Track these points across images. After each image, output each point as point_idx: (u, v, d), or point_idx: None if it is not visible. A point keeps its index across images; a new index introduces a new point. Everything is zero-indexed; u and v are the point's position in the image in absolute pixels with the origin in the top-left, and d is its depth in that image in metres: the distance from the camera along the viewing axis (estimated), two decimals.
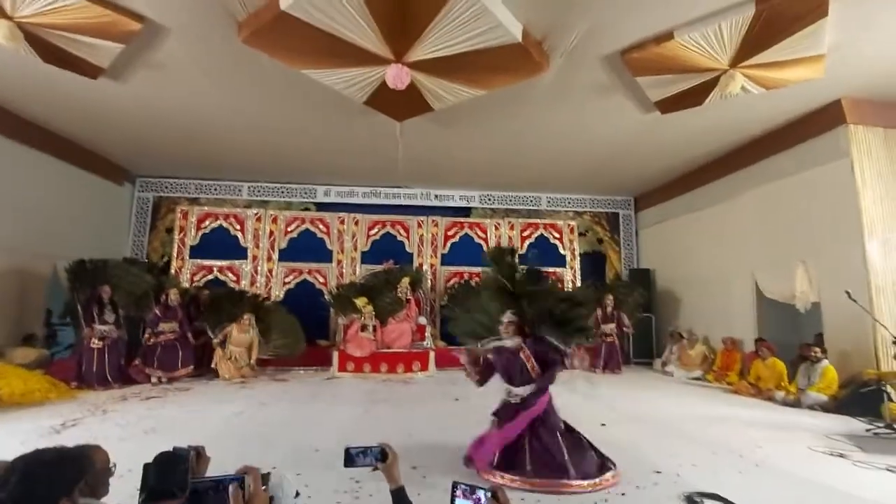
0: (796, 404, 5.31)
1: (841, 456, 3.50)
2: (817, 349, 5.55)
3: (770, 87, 5.09)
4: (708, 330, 8.08)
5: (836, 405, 5.06)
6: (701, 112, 5.72)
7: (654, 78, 5.14)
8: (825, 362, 5.45)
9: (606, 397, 5.91)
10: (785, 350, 6.19)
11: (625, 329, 8.46)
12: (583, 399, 5.78)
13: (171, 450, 1.43)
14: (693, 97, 5.39)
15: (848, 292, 4.83)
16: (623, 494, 2.75)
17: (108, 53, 4.74)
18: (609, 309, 8.37)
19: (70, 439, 3.71)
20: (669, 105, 5.68)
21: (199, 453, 1.54)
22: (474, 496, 1.33)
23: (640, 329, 9.05)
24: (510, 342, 3.40)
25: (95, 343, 6.17)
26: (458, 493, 1.35)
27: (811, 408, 5.16)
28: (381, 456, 1.58)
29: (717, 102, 5.38)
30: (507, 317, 3.47)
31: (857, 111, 5.73)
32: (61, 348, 7.04)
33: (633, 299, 8.71)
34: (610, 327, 8.26)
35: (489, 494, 1.33)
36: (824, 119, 5.97)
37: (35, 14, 4.07)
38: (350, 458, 1.57)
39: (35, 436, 3.86)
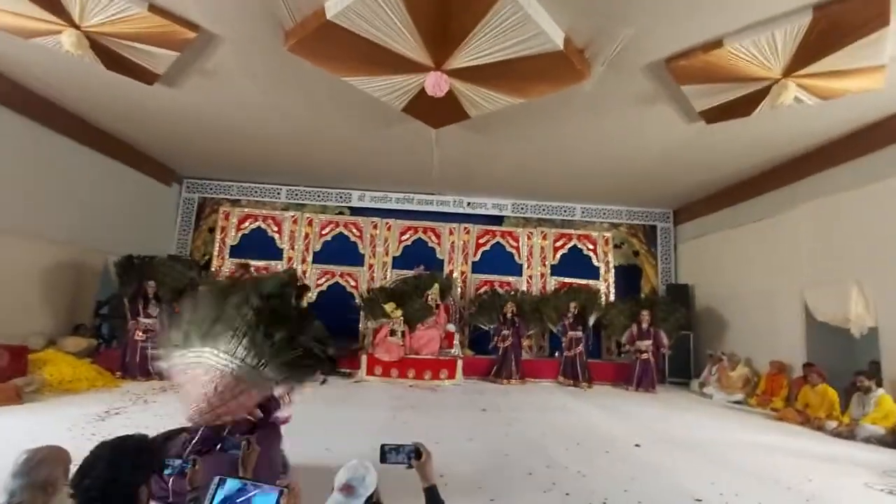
0: (850, 436, 4.95)
1: None
2: (864, 378, 5.16)
3: (826, 97, 4.82)
4: (751, 351, 7.67)
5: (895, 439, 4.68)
6: (749, 122, 5.49)
7: (700, 87, 4.97)
8: (879, 392, 5.07)
9: (641, 417, 5.69)
10: (838, 377, 5.79)
11: (662, 350, 8.13)
12: (616, 418, 5.59)
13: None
14: (742, 107, 5.18)
15: None
16: None
17: (165, 61, 5.00)
18: (645, 325, 8.09)
19: (113, 427, 3.89)
20: (716, 115, 5.47)
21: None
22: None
23: (678, 347, 8.69)
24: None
25: (139, 335, 6.46)
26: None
27: (867, 441, 4.79)
28: (416, 454, 1.62)
29: (767, 113, 5.15)
30: None
31: None
32: (105, 339, 7.40)
33: (674, 318, 8.35)
34: (645, 344, 7.97)
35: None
36: (885, 132, 5.60)
37: (101, 24, 4.34)
38: (385, 455, 1.63)
39: (82, 422, 4.05)
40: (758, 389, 7.03)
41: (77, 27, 4.39)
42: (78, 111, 6.78)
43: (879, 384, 5.20)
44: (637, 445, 4.27)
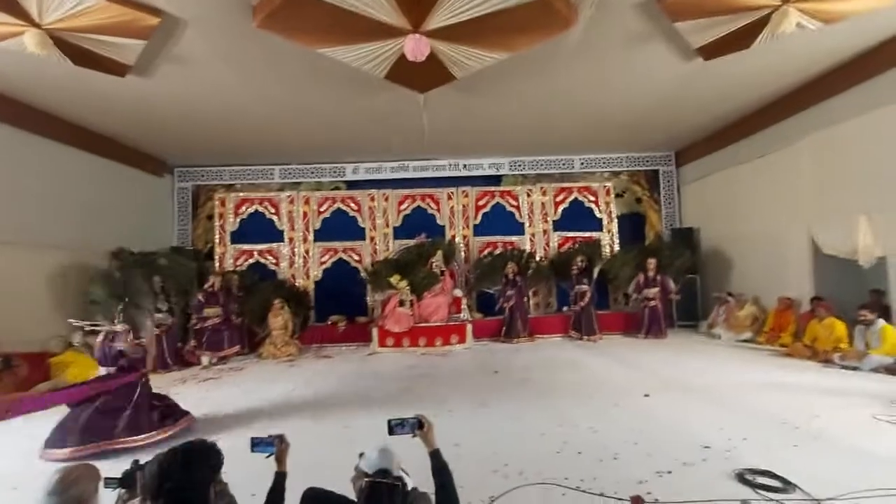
0: (857, 368, 4.99)
1: None
2: (866, 312, 5.14)
3: (830, 20, 4.53)
4: (759, 289, 7.65)
5: None
6: (749, 55, 5.21)
7: (694, 22, 4.69)
8: (880, 323, 5.07)
9: (650, 365, 5.78)
10: (848, 309, 5.76)
11: (671, 295, 8.15)
12: (625, 369, 5.69)
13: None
14: (740, 40, 4.89)
15: None
16: (670, 472, 2.69)
17: (133, 51, 4.80)
18: (651, 273, 8.08)
19: None
20: (713, 50, 5.20)
21: (281, 440, 1.83)
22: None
23: (685, 290, 8.69)
24: None
25: (153, 330, 6.59)
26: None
27: (875, 371, 4.84)
28: (419, 425, 1.81)
29: (766, 44, 4.87)
30: None
31: None
32: None
33: (679, 263, 8.33)
34: (653, 291, 7.99)
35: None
36: (888, 55, 5.29)
37: (60, 19, 4.15)
38: (392, 429, 1.82)
39: None
40: (765, 327, 7.08)
41: (38, 26, 4.21)
42: (56, 112, 6.62)
43: (882, 314, 5.19)
44: (646, 396, 4.35)
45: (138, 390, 3.74)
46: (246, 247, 9.21)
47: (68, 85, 5.70)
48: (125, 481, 1.73)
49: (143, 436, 3.53)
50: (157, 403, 3.85)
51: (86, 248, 7.24)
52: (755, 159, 7.73)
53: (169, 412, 3.85)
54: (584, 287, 8.11)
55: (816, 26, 4.58)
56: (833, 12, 4.39)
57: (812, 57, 5.73)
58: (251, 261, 9.15)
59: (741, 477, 2.55)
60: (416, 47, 4.44)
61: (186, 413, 3.96)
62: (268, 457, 1.84)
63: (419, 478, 1.79)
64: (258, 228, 9.28)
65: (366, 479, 1.62)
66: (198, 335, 7.05)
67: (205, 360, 6.83)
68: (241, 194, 9.47)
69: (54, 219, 6.72)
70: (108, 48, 4.72)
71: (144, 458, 1.69)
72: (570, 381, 5.12)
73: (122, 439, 3.48)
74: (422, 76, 5.42)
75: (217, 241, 9.19)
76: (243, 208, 9.34)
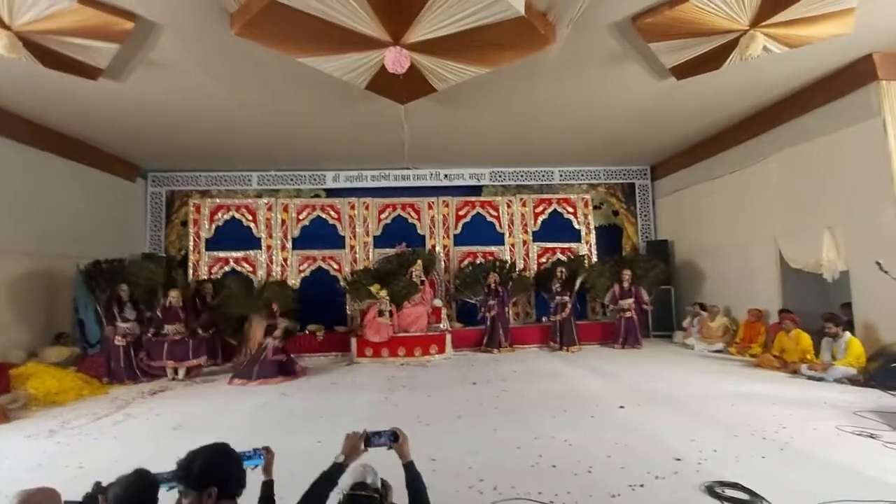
0: (822, 378, 5.16)
1: (870, 436, 3.38)
2: (832, 325, 5.32)
3: (794, 45, 4.75)
4: (730, 301, 7.89)
5: (866, 378, 4.91)
6: (720, 75, 5.41)
7: (668, 43, 4.85)
8: (847, 336, 5.26)
9: (625, 376, 5.85)
10: (813, 321, 5.99)
11: (644, 306, 8.32)
12: (601, 380, 5.75)
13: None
14: (711, 61, 5.09)
15: (879, 263, 4.58)
16: (642, 486, 2.72)
17: (105, 54, 4.69)
18: (626, 284, 8.23)
19: (108, 434, 3.87)
20: (686, 70, 5.38)
21: (267, 450, 1.91)
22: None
23: (660, 301, 8.90)
24: None
25: (119, 340, 6.35)
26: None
27: (839, 381, 5.01)
28: (394, 437, 1.88)
29: (736, 64, 5.07)
30: None
31: (889, 66, 5.33)
32: (91, 344, 7.25)
33: (653, 274, 8.53)
34: (628, 302, 8.14)
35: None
36: (854, 76, 5.58)
37: (31, 22, 4.04)
38: (369, 440, 1.88)
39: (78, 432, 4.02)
40: (737, 337, 7.27)
41: (8, 28, 4.09)
42: (24, 113, 6.41)
43: (847, 327, 5.39)
44: (621, 407, 4.40)
45: (264, 355, 6.24)
46: (222, 254, 9.02)
47: (36, 86, 5.54)
48: None
49: (272, 380, 6.05)
50: (278, 362, 6.29)
51: (51, 253, 6.97)
52: (727, 174, 8.00)
53: (287, 366, 6.38)
54: (565, 298, 8.19)
55: (782, 51, 4.80)
56: (796, 37, 4.62)
57: (780, 78, 5.99)
58: (227, 268, 8.96)
59: (711, 490, 2.59)
60: (396, 60, 4.47)
61: (299, 368, 6.61)
62: (254, 468, 1.85)
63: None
64: (235, 235, 9.11)
65: (343, 493, 1.70)
66: (150, 346, 6.51)
67: (170, 372, 6.56)
68: (218, 200, 9.30)
69: (16, 223, 6.44)
70: (80, 51, 4.61)
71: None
72: (547, 392, 5.14)
73: (261, 380, 6.01)
74: (402, 87, 5.44)
75: (191, 247, 8.98)
76: (219, 214, 9.16)
